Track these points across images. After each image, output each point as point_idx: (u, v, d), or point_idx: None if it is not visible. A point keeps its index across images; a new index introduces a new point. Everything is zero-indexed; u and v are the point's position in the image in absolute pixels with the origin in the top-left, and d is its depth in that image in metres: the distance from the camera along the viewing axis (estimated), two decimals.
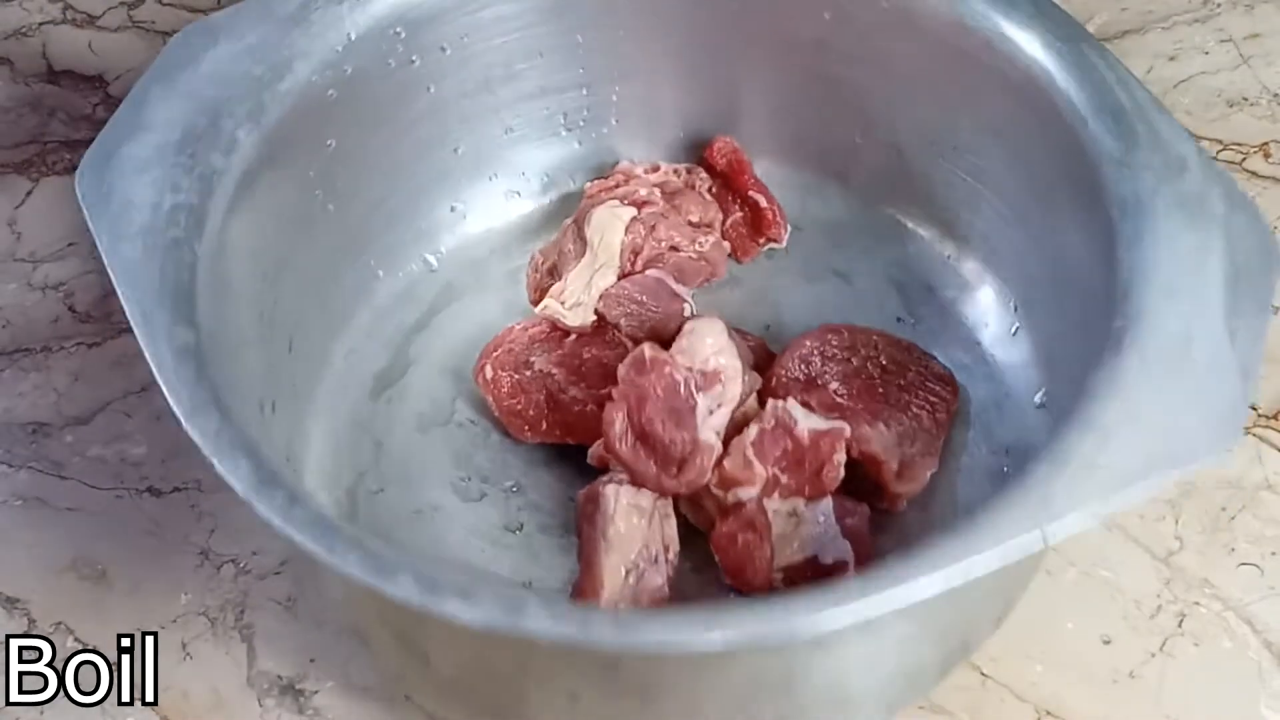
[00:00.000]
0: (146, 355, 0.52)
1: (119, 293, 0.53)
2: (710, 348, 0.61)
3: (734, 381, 0.61)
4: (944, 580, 0.46)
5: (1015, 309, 0.66)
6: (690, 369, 0.61)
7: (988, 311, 0.67)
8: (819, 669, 0.52)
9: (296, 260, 0.63)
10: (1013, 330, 0.66)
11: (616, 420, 0.60)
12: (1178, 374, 0.50)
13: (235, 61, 0.60)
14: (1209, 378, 0.50)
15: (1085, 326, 0.56)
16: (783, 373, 0.64)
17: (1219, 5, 0.84)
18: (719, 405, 0.60)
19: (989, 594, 0.55)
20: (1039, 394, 0.63)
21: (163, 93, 0.58)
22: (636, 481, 0.60)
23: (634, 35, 0.69)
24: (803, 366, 0.64)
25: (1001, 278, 0.67)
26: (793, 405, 0.61)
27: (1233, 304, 0.51)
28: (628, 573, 0.59)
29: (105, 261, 0.54)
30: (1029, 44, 0.60)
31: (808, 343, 0.65)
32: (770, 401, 0.61)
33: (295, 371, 0.64)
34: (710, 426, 0.60)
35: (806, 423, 0.60)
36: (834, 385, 0.64)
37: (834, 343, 0.65)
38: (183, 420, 0.50)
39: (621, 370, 0.61)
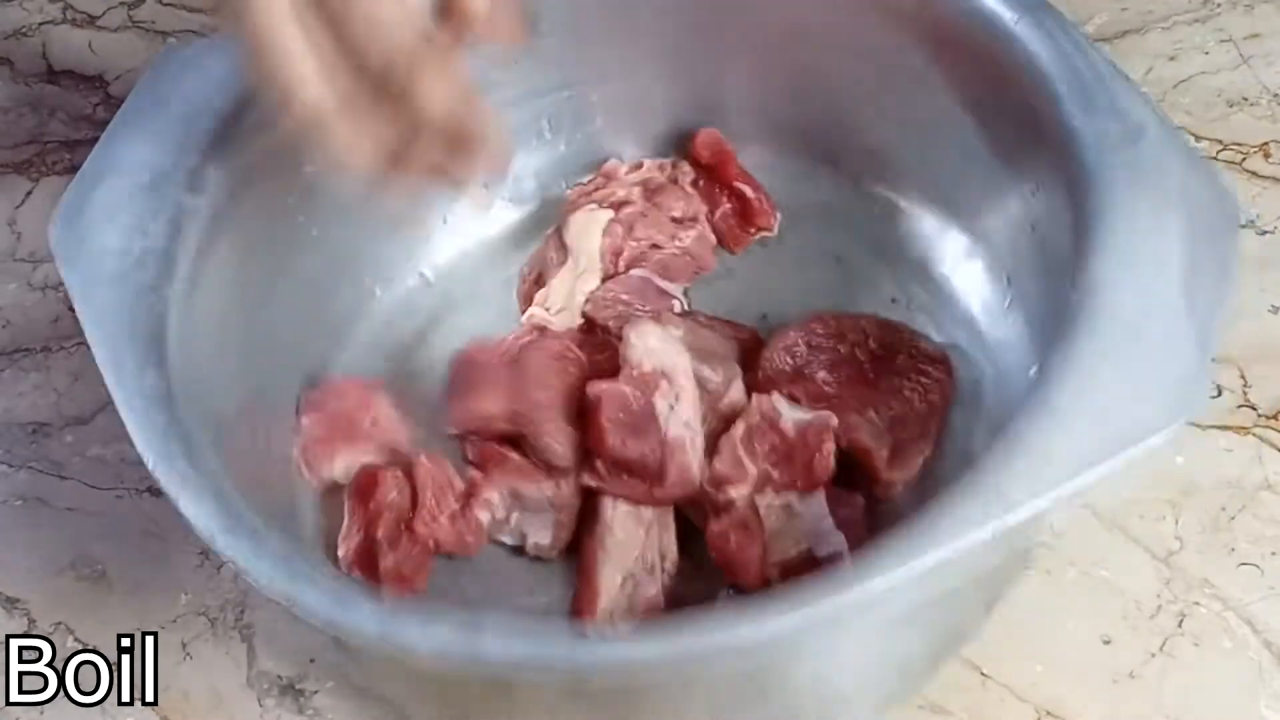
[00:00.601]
0: (116, 402, 0.52)
1: (89, 341, 0.54)
2: (642, 350, 0.61)
3: (679, 373, 0.60)
4: (892, 582, 0.45)
5: (1008, 282, 0.66)
6: (631, 377, 0.61)
7: (981, 286, 0.67)
8: (795, 672, 0.51)
9: (286, 284, 0.63)
10: (1006, 304, 0.65)
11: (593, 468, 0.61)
12: (1132, 349, 0.49)
13: (204, 96, 0.60)
14: (1165, 351, 0.49)
15: (1062, 296, 0.55)
16: (769, 365, 0.64)
17: (1219, 5, 0.84)
18: (676, 399, 0.60)
19: (970, 583, 0.54)
20: (1032, 370, 0.62)
21: (133, 134, 0.59)
22: (635, 502, 0.60)
23: (611, 34, 0.69)
24: (788, 358, 0.64)
25: (992, 251, 0.66)
26: (777, 399, 0.61)
27: (1191, 270, 0.50)
28: (624, 581, 0.59)
29: (77, 310, 0.54)
30: (993, 15, 0.60)
31: (792, 333, 0.65)
32: (754, 397, 0.61)
33: (294, 393, 0.64)
34: (677, 422, 0.60)
35: (792, 415, 0.60)
36: (821, 374, 0.63)
37: (820, 331, 0.65)
38: (150, 462, 0.50)
39: (586, 420, 0.61)
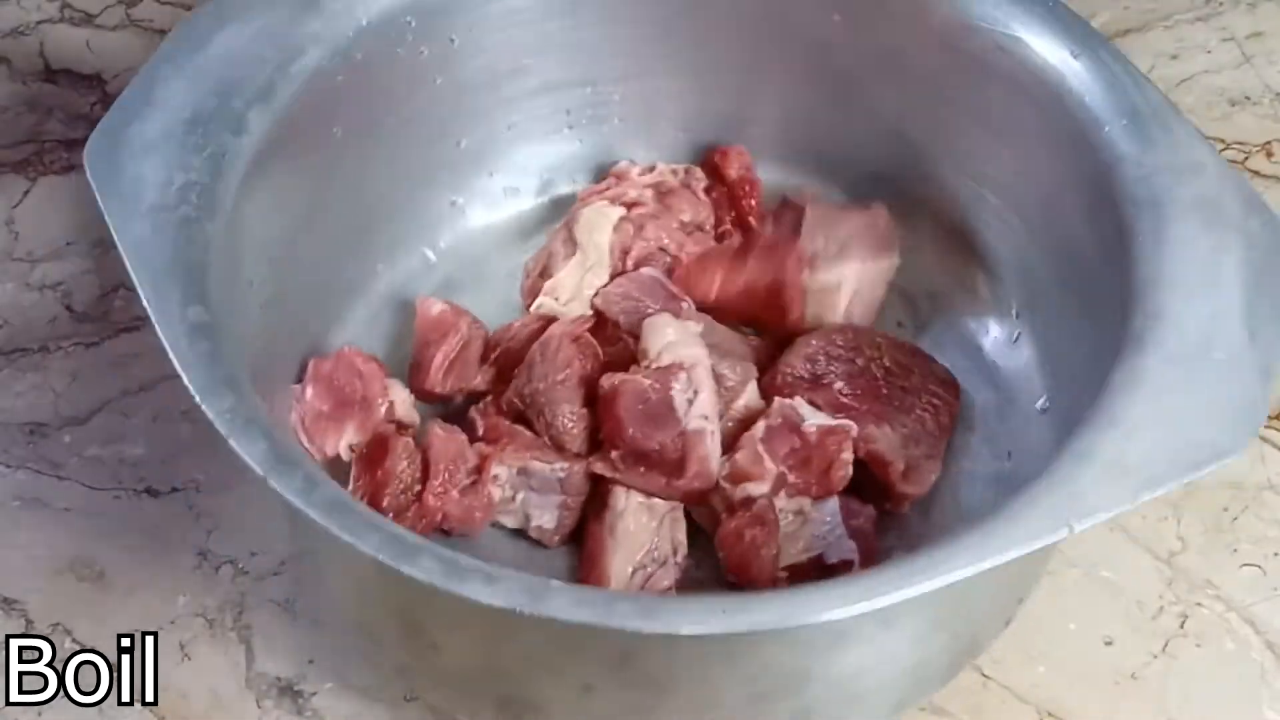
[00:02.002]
0: (159, 332, 0.51)
1: (130, 270, 0.53)
2: (661, 342, 0.61)
3: (698, 366, 0.60)
4: (966, 572, 0.46)
5: (1017, 315, 0.66)
6: (648, 369, 0.60)
7: (989, 318, 0.67)
8: (832, 662, 0.51)
9: (300, 250, 0.63)
10: (1014, 337, 0.66)
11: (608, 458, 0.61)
12: (1199, 373, 0.50)
13: (246, 44, 0.59)
14: (1229, 376, 0.50)
15: (1090, 331, 0.56)
16: (788, 371, 0.64)
17: (1221, 4, 0.84)
18: (695, 392, 0.60)
19: (1000, 590, 0.55)
20: (1041, 400, 0.63)
21: (173, 72, 0.58)
22: (653, 495, 0.60)
23: (641, 34, 0.69)
24: (808, 365, 0.64)
25: (1004, 283, 0.67)
26: (799, 403, 0.61)
27: (1251, 305, 0.52)
28: (634, 572, 0.59)
29: (116, 239, 0.53)
30: (1041, 47, 0.60)
31: (814, 342, 0.65)
32: (777, 400, 0.61)
33: (294, 362, 0.64)
34: (696, 414, 0.59)
35: (813, 420, 0.60)
36: (839, 385, 0.63)
37: (839, 342, 0.65)
38: (198, 398, 0.49)
39: (601, 411, 0.61)
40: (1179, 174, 0.55)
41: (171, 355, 0.50)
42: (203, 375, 0.50)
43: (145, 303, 0.52)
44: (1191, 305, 0.52)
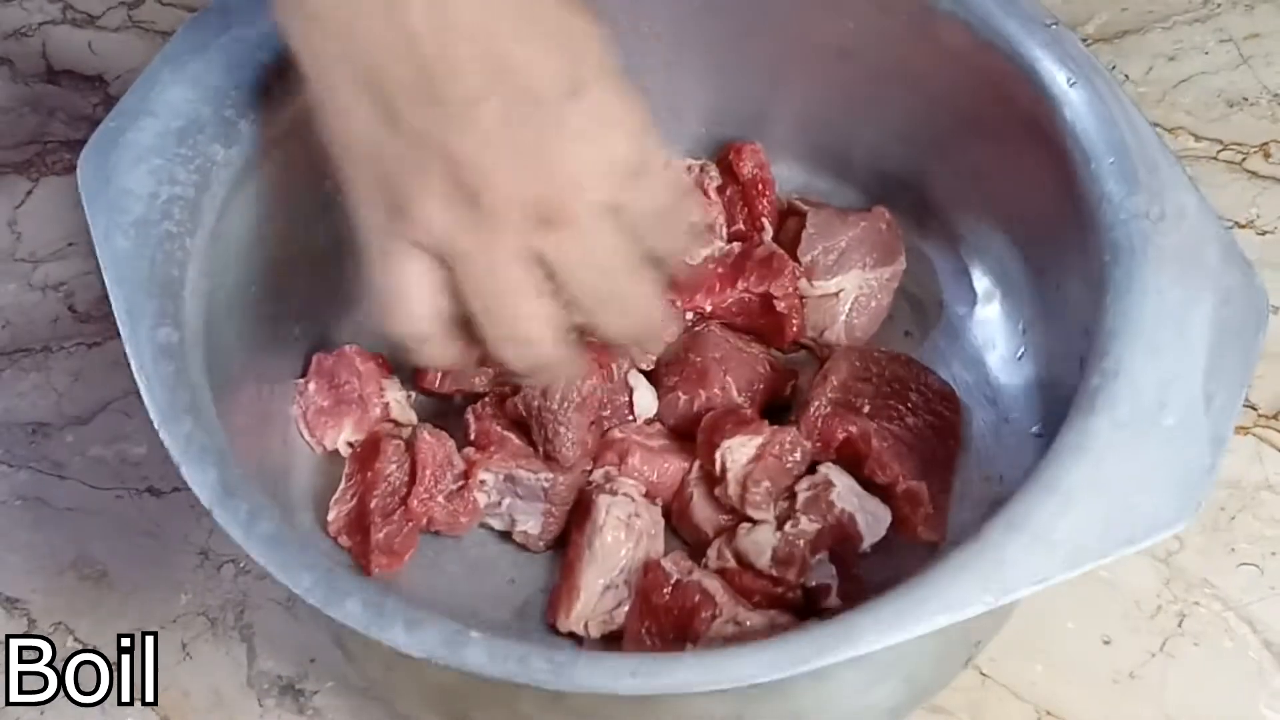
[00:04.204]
0: (128, 352, 0.51)
1: (107, 285, 0.53)
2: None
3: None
4: (878, 644, 0.45)
5: (1023, 332, 0.65)
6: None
7: (996, 332, 0.66)
8: (765, 712, 0.51)
9: (303, 245, 0.62)
10: (1018, 354, 0.65)
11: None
12: (1147, 439, 0.49)
13: (246, 48, 0.59)
14: (1179, 444, 0.48)
15: (1080, 361, 0.55)
16: (822, 402, 0.62)
17: (1219, 5, 0.84)
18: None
19: (943, 644, 0.54)
20: (1037, 424, 0.62)
21: (171, 78, 0.58)
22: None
23: (658, 31, 0.68)
24: (843, 395, 0.62)
25: (1011, 299, 0.66)
26: (836, 473, 0.60)
27: (1214, 365, 0.50)
28: (606, 589, 0.59)
29: (97, 253, 0.54)
30: (1043, 71, 0.58)
31: (844, 365, 0.63)
32: (821, 469, 0.60)
33: (299, 354, 0.64)
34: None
35: (843, 504, 0.59)
36: (874, 422, 0.62)
37: (865, 368, 0.63)
38: (157, 422, 0.50)
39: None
40: (1159, 220, 0.53)
41: (137, 376, 0.51)
42: (164, 399, 0.50)
43: (118, 321, 0.52)
44: (1151, 364, 0.50)
